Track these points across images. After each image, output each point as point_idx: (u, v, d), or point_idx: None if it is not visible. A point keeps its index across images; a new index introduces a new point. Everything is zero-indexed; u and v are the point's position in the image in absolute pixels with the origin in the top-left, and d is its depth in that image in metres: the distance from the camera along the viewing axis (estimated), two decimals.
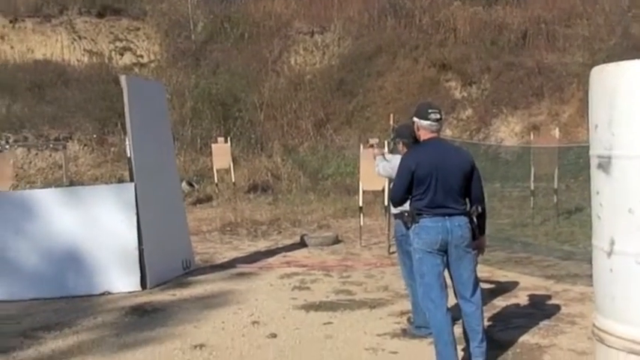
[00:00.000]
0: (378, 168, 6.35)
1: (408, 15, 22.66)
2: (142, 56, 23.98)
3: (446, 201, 4.71)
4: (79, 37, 23.87)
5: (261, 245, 10.87)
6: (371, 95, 20.94)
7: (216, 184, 16.45)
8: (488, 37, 20.90)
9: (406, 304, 6.84)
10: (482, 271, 8.26)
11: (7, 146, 17.28)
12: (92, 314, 7.04)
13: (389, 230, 10.15)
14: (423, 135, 4.92)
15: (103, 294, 7.83)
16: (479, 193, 4.89)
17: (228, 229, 12.26)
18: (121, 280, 7.89)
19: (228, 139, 17.03)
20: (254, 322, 6.32)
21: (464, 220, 4.75)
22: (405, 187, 4.79)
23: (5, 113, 19.13)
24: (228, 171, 16.33)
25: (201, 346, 5.73)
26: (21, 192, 12.32)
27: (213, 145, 16.78)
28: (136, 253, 7.89)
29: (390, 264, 8.95)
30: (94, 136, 19.23)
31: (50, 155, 18.28)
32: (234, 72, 22.05)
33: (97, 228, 7.95)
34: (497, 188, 15.08)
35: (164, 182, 8.69)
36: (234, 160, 16.64)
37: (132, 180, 8.07)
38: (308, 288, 7.79)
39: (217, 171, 16.52)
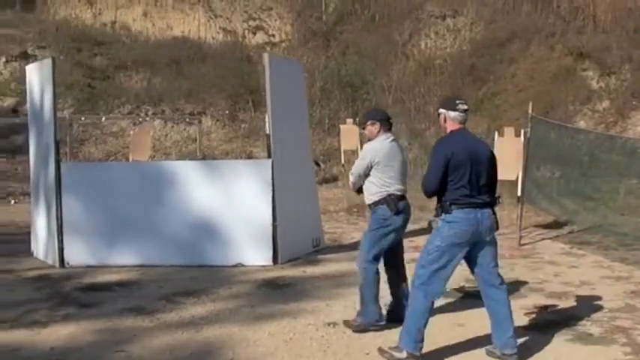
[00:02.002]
0: (354, 176, 5.83)
1: (545, 0, 21.84)
2: (273, 35, 24.39)
3: (478, 192, 4.78)
4: (215, 16, 24.56)
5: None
6: (502, 82, 20.36)
7: (343, 165, 16.58)
8: (632, 25, 19.80)
9: (537, 298, 6.69)
10: (621, 271, 7.96)
11: (147, 118, 18.16)
12: (227, 284, 7.32)
13: (520, 221, 9.91)
14: (451, 126, 4.93)
15: (236, 265, 8.12)
16: (496, 185, 5.02)
17: (355, 210, 12.35)
18: (254, 253, 8.15)
19: (356, 120, 17.09)
20: (385, 304, 6.36)
21: (490, 211, 4.86)
22: (440, 175, 4.76)
23: (145, 87, 20.03)
24: (355, 152, 16.40)
25: (334, 324, 5.83)
26: (163, 162, 12.95)
27: (341, 126, 16.90)
28: (270, 228, 8.11)
29: (521, 256, 8.74)
30: (226, 112, 19.82)
31: (185, 129, 19.01)
32: (364, 54, 22.05)
33: (233, 202, 8.23)
34: (635, 185, 14.34)
35: (299, 160, 8.86)
36: (361, 142, 16.69)
37: (269, 156, 8.28)
38: None
39: (344, 152, 16.64)
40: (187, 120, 18.83)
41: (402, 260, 5.93)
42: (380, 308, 5.71)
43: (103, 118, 17.49)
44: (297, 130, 8.91)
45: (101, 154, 17.39)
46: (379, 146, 5.64)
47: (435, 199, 4.92)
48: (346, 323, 5.73)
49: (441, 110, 4.96)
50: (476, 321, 5.67)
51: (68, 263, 8.24)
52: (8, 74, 19.24)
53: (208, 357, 5.12)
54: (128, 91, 19.69)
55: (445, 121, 4.93)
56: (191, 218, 8.27)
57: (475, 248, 4.85)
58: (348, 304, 6.39)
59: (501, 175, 10.14)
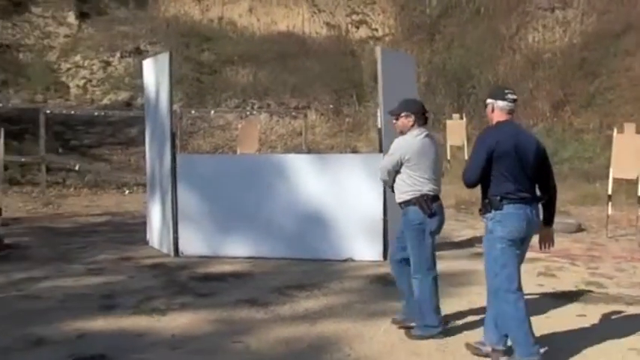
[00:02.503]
0: (382, 171, 5.54)
1: None
2: (377, 30, 24.25)
3: (526, 186, 4.59)
4: (319, 11, 24.65)
5: None
6: (616, 77, 19.47)
7: (449, 161, 16.31)
8: None
9: None
10: None
11: (254, 112, 18.46)
12: (338, 279, 7.32)
13: None
14: (498, 117, 4.72)
15: (346, 260, 8.11)
16: (550, 180, 4.76)
17: (463, 207, 12.12)
18: (364, 248, 8.11)
19: (463, 115, 16.78)
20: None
21: (536, 208, 4.68)
22: (481, 167, 4.56)
23: (251, 81, 20.37)
24: (460, 148, 16.10)
25: (449, 322, 5.72)
26: (275, 155, 13.09)
27: (447, 122, 16.63)
28: (381, 223, 8.05)
29: None
30: (331, 106, 19.89)
31: (290, 123, 19.21)
32: (469, 48, 21.61)
33: (343, 196, 8.21)
34: None
35: None
36: (467, 137, 16.37)
37: (381, 151, 8.20)
38: (554, 275, 7.49)
39: (450, 147, 16.36)
40: (292, 114, 19.01)
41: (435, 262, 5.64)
42: (441, 319, 5.44)
43: (212, 112, 17.90)
44: None
45: (209, 147, 17.81)
46: (411, 142, 5.34)
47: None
48: (407, 333, 5.41)
49: (489, 100, 4.76)
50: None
51: (182, 253, 8.46)
52: (122, 69, 19.98)
53: (325, 352, 5.11)
54: (235, 86, 20.08)
55: (492, 111, 4.74)
56: (301, 212, 8.32)
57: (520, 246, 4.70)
58: (462, 303, 6.26)
59: (620, 173, 9.83)
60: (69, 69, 19.78)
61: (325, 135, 19.19)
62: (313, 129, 19.10)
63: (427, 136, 5.43)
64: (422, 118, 5.43)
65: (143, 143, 17.11)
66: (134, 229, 10.23)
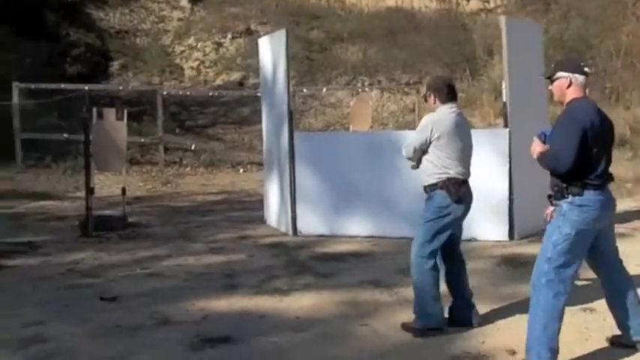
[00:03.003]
0: (408, 148, 5.06)
1: None
2: (488, 1, 23.40)
3: (607, 170, 4.15)
4: None
5: (629, 205, 9.94)
6: None
7: None
8: None
9: None
10: None
11: (366, 89, 18.22)
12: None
13: None
14: (574, 93, 4.14)
15: (469, 240, 7.76)
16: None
17: None
18: (489, 228, 7.75)
19: None
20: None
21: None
22: (577, 148, 3.97)
23: (361, 58, 20.11)
24: None
25: (591, 309, 5.31)
26: (392, 132, 12.80)
27: None
28: (507, 202, 7.67)
29: None
30: None
31: (401, 99, 18.84)
32: (588, 16, 20.44)
33: None
34: None
35: (537, 130, 8.25)
36: None
37: (506, 126, 7.80)
38: None
39: None
40: (404, 90, 18.62)
41: (461, 253, 5.24)
42: (442, 310, 5.02)
43: (324, 90, 17.79)
44: (535, 97, 8.31)
45: (320, 125, 17.72)
46: (442, 118, 4.88)
47: None
48: (404, 326, 5.00)
49: (564, 74, 4.17)
50: None
51: (300, 232, 8.37)
52: (234, 50, 20.19)
53: (457, 338, 4.85)
54: (345, 63, 19.88)
55: (569, 85, 4.15)
56: (422, 190, 8.01)
57: (602, 233, 4.24)
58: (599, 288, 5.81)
59: None
60: (183, 51, 20.18)
61: None
62: (424, 105, 18.64)
63: (460, 113, 5.01)
64: (444, 94, 4.94)
65: (256, 122, 17.38)
66: (250, 208, 10.26)
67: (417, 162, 5.01)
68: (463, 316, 5.04)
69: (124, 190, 8.98)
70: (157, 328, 5.17)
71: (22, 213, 10.08)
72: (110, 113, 8.70)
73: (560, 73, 4.19)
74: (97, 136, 8.57)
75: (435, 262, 4.97)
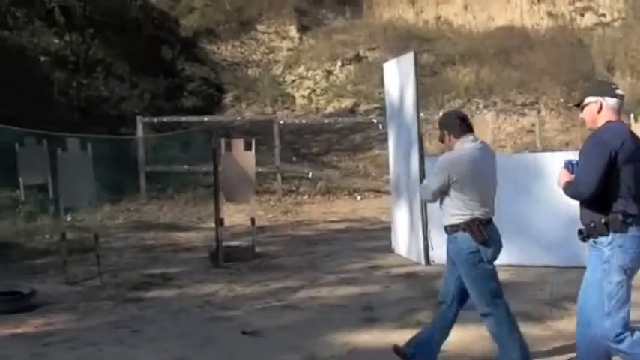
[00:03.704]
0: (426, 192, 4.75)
1: None
2: (604, 15, 22.47)
3: None
4: (538, 1, 23.38)
5: None
6: None
7: None
8: None
9: None
10: None
11: (480, 111, 17.76)
12: None
13: None
14: (606, 117, 3.79)
15: None
16: None
17: None
18: None
19: None
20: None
21: None
22: (601, 175, 3.62)
23: (474, 80, 19.68)
24: None
25: None
26: (527, 155, 12.29)
27: None
28: None
29: None
30: (561, 100, 18.63)
31: (518, 120, 18.25)
32: None
33: None
34: None
35: None
36: None
37: None
38: None
39: None
40: (520, 111, 18.03)
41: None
42: (524, 341, 4.64)
43: (441, 113, 17.44)
44: None
45: (435, 150, 17.34)
46: (459, 159, 4.48)
47: None
48: None
49: (593, 98, 3.84)
50: None
51: (433, 261, 8.06)
52: (344, 77, 20.21)
53: None
54: (457, 85, 19.50)
55: (599, 110, 3.80)
56: (561, 215, 7.53)
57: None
58: None
59: None
60: (293, 80, 20.38)
61: (557, 131, 17.96)
62: (543, 125, 17.96)
63: (479, 148, 4.58)
64: (457, 128, 4.55)
65: (369, 149, 17.32)
66: (376, 236, 10.04)
67: (440, 203, 4.67)
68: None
69: (252, 221, 8.97)
70: None
71: (151, 244, 10.25)
72: (239, 144, 8.74)
73: (589, 98, 3.87)
74: (225, 167, 8.62)
75: (502, 303, 4.66)
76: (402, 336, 5.46)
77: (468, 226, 4.44)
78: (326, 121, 16.96)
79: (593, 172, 3.66)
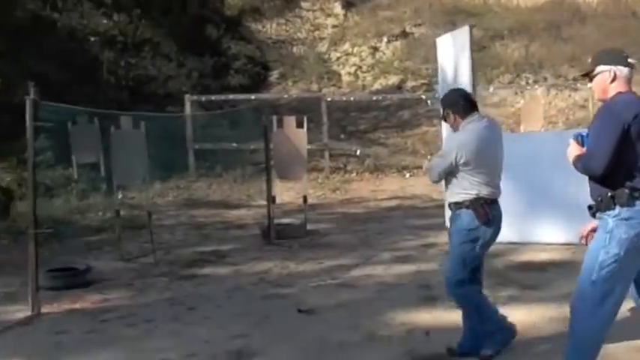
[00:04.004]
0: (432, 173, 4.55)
1: None
2: None
3: None
4: None
5: None
6: None
7: None
8: None
9: None
10: None
11: (530, 87, 17.36)
12: None
13: None
14: (618, 87, 3.58)
15: None
16: None
17: None
18: None
19: None
20: None
21: None
22: (614, 149, 3.42)
23: (524, 55, 19.23)
24: None
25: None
26: (581, 131, 11.95)
27: None
28: None
29: None
30: None
31: (570, 95, 17.77)
32: None
33: None
34: None
35: None
36: None
37: None
38: None
39: None
40: (572, 86, 17.56)
41: (482, 278, 4.72)
42: (505, 318, 4.65)
43: (491, 89, 17.12)
44: None
45: None
46: (466, 139, 4.34)
47: None
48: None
49: (605, 67, 3.61)
50: None
51: None
52: (390, 53, 19.94)
53: None
54: (506, 61, 19.05)
55: (613, 80, 3.59)
56: None
57: None
58: None
59: None
60: (339, 58, 20.18)
61: None
62: (594, 100, 17.50)
63: (485, 126, 4.43)
64: (461, 108, 4.41)
65: (417, 126, 17.09)
66: (427, 214, 9.89)
67: (445, 179, 4.53)
68: (475, 348, 4.52)
69: (305, 199, 8.90)
70: (365, 344, 4.92)
71: (202, 222, 10.28)
72: (290, 121, 8.65)
73: (600, 67, 3.64)
74: (277, 145, 8.55)
75: (477, 289, 4.65)
76: (454, 316, 5.35)
77: (472, 204, 4.36)
78: (374, 98, 16.76)
79: (606, 146, 3.48)
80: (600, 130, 3.55)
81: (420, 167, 14.30)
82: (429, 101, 15.89)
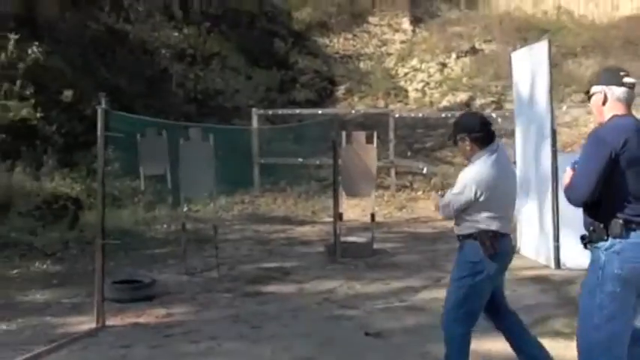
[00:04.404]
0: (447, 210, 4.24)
1: None
2: None
3: None
4: None
5: None
6: None
7: None
8: None
9: None
10: None
11: None
12: None
13: None
14: (613, 109, 3.34)
15: None
16: None
17: None
18: None
19: None
20: None
21: None
22: (598, 178, 3.21)
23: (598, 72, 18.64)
24: None
25: None
26: None
27: None
28: None
29: None
30: None
31: None
32: None
33: None
34: None
35: None
36: None
37: None
38: None
39: None
40: None
41: (507, 305, 4.44)
42: None
43: (564, 107, 16.62)
44: None
45: (558, 145, 16.53)
46: (485, 174, 4.06)
47: None
48: None
49: (597, 88, 3.40)
50: None
51: (564, 264, 7.54)
52: (459, 70, 19.61)
53: None
54: (579, 79, 18.47)
55: (604, 102, 3.37)
56: None
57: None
58: None
59: None
60: (406, 73, 19.94)
61: None
62: None
63: (501, 157, 4.15)
64: (484, 136, 4.12)
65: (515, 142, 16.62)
66: None
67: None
68: None
69: (372, 217, 8.70)
70: None
71: (266, 237, 10.18)
72: (360, 137, 8.49)
73: (594, 88, 3.45)
74: (346, 161, 8.39)
75: (468, 332, 4.27)
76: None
77: (479, 235, 4.09)
78: (443, 115, 16.45)
79: (591, 176, 3.28)
80: (585, 159, 3.35)
81: None
82: (499, 119, 15.49)
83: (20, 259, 8.29)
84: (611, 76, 3.46)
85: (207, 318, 6.19)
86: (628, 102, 3.41)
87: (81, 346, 5.47)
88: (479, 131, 4.13)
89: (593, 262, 3.45)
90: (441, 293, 6.73)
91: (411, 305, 6.45)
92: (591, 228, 3.40)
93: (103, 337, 5.65)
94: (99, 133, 5.94)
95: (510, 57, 9.02)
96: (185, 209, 11.63)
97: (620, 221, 3.28)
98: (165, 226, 10.41)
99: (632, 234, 3.28)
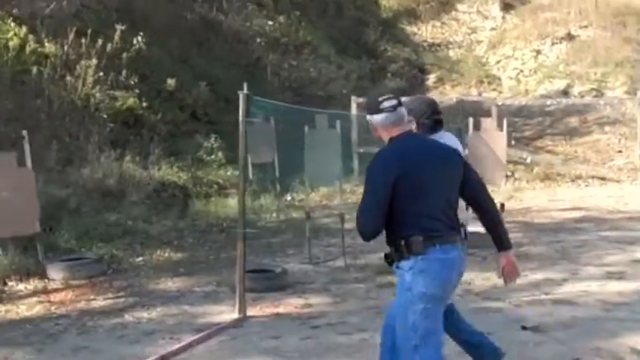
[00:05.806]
0: None
1: None
2: None
3: (449, 216, 3.37)
4: None
5: None
6: None
7: None
8: None
9: None
10: None
11: None
12: None
13: None
14: (388, 132, 3.43)
15: None
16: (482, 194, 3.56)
17: None
18: None
19: None
20: None
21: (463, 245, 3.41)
22: (382, 202, 3.28)
23: None
24: None
25: None
26: None
27: None
28: None
29: None
30: None
31: None
32: None
33: None
34: None
35: None
36: None
37: None
38: None
39: None
40: None
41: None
42: None
43: None
44: None
45: None
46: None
47: None
48: None
49: (367, 118, 3.52)
50: None
51: None
52: (554, 57, 18.99)
53: None
54: None
55: (376, 129, 3.49)
56: None
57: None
58: None
59: None
60: (498, 61, 19.46)
61: None
62: None
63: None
64: (430, 122, 4.05)
65: (586, 133, 16.05)
66: (621, 226, 9.22)
67: None
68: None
69: (502, 206, 8.33)
70: None
71: None
72: (489, 123, 8.16)
73: (367, 117, 3.51)
74: (474, 148, 8.08)
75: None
76: None
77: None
78: (547, 102, 15.93)
79: (374, 202, 3.31)
80: (368, 183, 3.41)
81: (595, 177, 13.49)
82: (607, 107, 14.93)
83: (141, 247, 8.29)
84: (372, 105, 3.49)
85: (348, 309, 6.02)
86: (395, 123, 3.42)
87: (229, 336, 5.36)
88: (426, 114, 4.08)
89: (399, 283, 3.42)
90: (585, 286, 6.46)
91: (559, 298, 6.14)
92: (394, 247, 3.36)
93: (249, 328, 5.54)
94: (240, 118, 5.84)
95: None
96: (289, 198, 11.58)
97: (421, 237, 3.26)
98: (274, 215, 10.31)
99: (432, 249, 3.27)
